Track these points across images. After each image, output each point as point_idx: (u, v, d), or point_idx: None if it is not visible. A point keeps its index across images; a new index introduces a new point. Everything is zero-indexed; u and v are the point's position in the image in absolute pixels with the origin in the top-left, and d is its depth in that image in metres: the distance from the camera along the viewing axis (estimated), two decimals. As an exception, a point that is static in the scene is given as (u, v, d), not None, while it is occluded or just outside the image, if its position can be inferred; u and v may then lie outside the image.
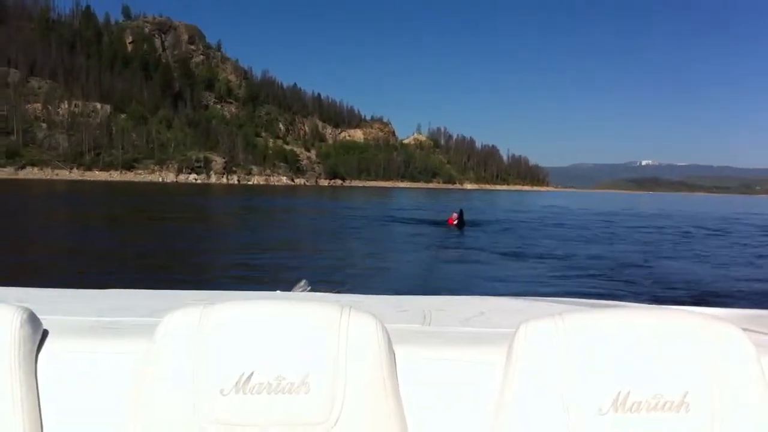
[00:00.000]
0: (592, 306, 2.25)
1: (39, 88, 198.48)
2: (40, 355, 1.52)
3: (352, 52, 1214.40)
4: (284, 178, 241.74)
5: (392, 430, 1.39)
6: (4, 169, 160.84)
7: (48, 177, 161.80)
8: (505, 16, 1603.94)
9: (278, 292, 2.61)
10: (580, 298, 2.70)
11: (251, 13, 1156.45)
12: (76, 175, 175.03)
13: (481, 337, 1.72)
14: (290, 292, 2.62)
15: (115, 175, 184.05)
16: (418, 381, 1.50)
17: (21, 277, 12.46)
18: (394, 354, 1.46)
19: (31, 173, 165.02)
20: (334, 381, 1.34)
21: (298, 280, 2.51)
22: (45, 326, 1.58)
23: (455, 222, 33.08)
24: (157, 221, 34.88)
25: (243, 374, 1.33)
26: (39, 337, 1.54)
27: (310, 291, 2.40)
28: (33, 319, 1.51)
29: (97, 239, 23.73)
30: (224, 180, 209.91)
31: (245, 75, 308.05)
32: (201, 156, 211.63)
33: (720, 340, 1.30)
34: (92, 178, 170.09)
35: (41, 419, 1.49)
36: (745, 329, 1.36)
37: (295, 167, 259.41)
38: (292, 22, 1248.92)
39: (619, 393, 1.27)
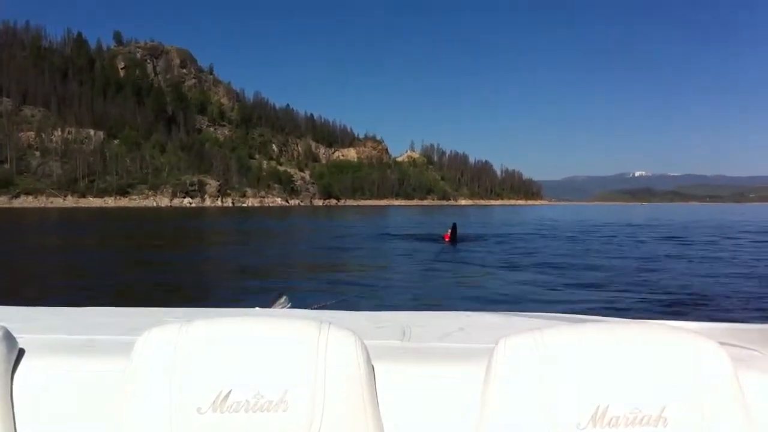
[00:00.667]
0: (571, 321, 2.28)
1: (32, 116, 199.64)
2: (15, 374, 1.51)
3: (343, 71, 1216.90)
4: (279, 199, 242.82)
5: None
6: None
7: (42, 205, 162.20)
8: (494, 32, 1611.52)
9: (257, 309, 2.57)
10: (558, 312, 2.70)
11: (242, 36, 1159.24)
12: (70, 202, 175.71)
13: (460, 352, 1.73)
14: (269, 309, 2.60)
15: (110, 201, 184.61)
16: (397, 397, 1.50)
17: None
18: (374, 370, 1.46)
19: (26, 202, 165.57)
20: (312, 398, 1.33)
21: (279, 297, 2.51)
22: (21, 345, 1.58)
23: (450, 237, 33.20)
24: (147, 245, 35.24)
25: (221, 392, 1.31)
26: (14, 355, 1.53)
27: (289, 307, 2.52)
28: (8, 338, 1.50)
29: (83, 262, 24.24)
30: (219, 203, 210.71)
31: (238, 97, 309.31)
32: (195, 179, 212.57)
33: (697, 354, 1.31)
34: (87, 205, 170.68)
35: None
36: (722, 343, 1.37)
37: (289, 188, 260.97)
38: (283, 43, 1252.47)
39: (598, 407, 1.27)
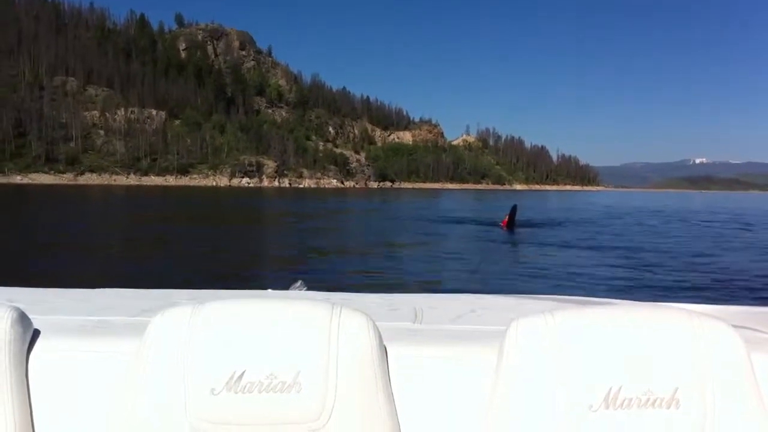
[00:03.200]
0: (582, 303, 2.27)
1: (96, 96, 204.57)
2: (31, 355, 1.52)
3: (400, 53, 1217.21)
4: (334, 180, 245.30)
5: (384, 427, 1.40)
6: (65, 175, 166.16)
7: (106, 182, 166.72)
8: (554, 17, 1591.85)
9: (269, 290, 2.61)
10: (569, 295, 2.73)
11: (301, 18, 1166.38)
12: (133, 180, 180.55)
13: (473, 334, 1.72)
14: (281, 291, 2.62)
15: (171, 180, 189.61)
16: (409, 379, 1.51)
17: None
18: (386, 352, 1.46)
19: (91, 179, 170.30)
20: (325, 380, 1.33)
21: (294, 281, 2.48)
22: (36, 326, 1.58)
23: (507, 223, 32.42)
24: (207, 221, 37.18)
25: (234, 373, 1.32)
26: (30, 336, 1.54)
27: (305, 287, 2.47)
28: (23, 319, 1.50)
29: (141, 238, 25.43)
30: (276, 183, 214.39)
31: (295, 79, 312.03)
32: (253, 160, 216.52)
33: (710, 336, 1.31)
34: (149, 183, 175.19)
35: (32, 418, 1.49)
36: (735, 326, 1.37)
37: (344, 170, 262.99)
38: (341, 25, 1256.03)
39: (610, 389, 1.27)
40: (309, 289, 2.23)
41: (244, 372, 1.32)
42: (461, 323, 1.94)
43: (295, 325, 1.37)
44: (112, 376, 1.50)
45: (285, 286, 2.53)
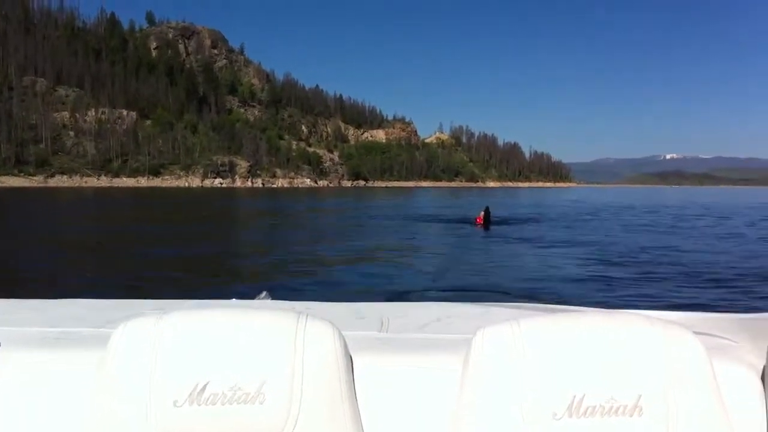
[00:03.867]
0: (547, 311, 2.29)
1: (66, 96, 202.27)
2: None
3: (372, 52, 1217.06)
4: (308, 180, 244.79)
5: None
6: (35, 178, 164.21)
7: (77, 184, 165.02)
8: (526, 14, 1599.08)
9: (234, 300, 2.57)
10: (535, 302, 2.75)
11: (273, 16, 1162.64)
12: (104, 182, 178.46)
13: (439, 343, 1.73)
14: (246, 300, 2.60)
15: (143, 181, 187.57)
16: (375, 388, 1.51)
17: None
18: (352, 361, 1.46)
19: (61, 181, 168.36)
20: (290, 390, 1.32)
21: (260, 292, 2.48)
22: None
23: (483, 221, 32.57)
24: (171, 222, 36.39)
25: (198, 385, 1.30)
26: None
27: (271, 295, 2.46)
28: None
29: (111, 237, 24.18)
30: (249, 183, 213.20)
31: (268, 78, 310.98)
32: (226, 160, 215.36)
33: (672, 343, 1.33)
34: (120, 185, 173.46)
35: None
36: (696, 332, 1.39)
37: (318, 169, 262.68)
38: (313, 24, 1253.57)
39: (574, 397, 1.28)
40: (274, 298, 2.66)
41: (207, 383, 1.30)
42: (428, 332, 1.94)
43: (259, 335, 1.36)
44: (75, 388, 1.49)
45: (250, 296, 2.61)
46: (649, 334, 1.33)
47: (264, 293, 2.65)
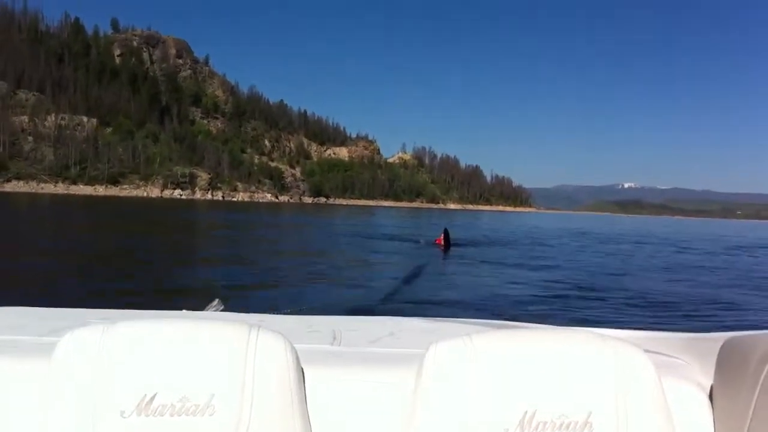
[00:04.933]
0: (500, 327, 2.26)
1: (26, 100, 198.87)
2: None
3: (338, 69, 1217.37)
4: (269, 195, 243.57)
5: None
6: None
7: (33, 190, 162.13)
8: (490, 38, 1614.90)
9: (184, 311, 2.51)
10: (487, 318, 2.69)
11: (240, 29, 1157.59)
12: (61, 188, 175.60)
13: (391, 357, 1.73)
14: (197, 311, 2.55)
15: (100, 190, 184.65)
16: (327, 401, 1.50)
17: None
18: (304, 374, 1.45)
19: (17, 186, 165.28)
20: (240, 402, 1.31)
21: (212, 300, 2.45)
22: None
23: (442, 242, 33.36)
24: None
25: (145, 396, 1.28)
26: None
27: (222, 308, 2.46)
28: None
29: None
30: (209, 196, 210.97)
31: (232, 90, 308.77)
32: (186, 171, 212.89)
33: (623, 360, 1.34)
34: (77, 192, 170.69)
35: None
36: (646, 350, 1.41)
37: (279, 184, 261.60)
38: (281, 38, 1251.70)
39: (526, 413, 1.28)
40: (226, 308, 2.61)
41: (155, 394, 1.29)
42: (380, 346, 1.94)
43: (209, 346, 1.35)
44: (20, 398, 1.45)
45: (201, 305, 2.59)
46: (600, 352, 1.35)
47: (216, 301, 2.65)
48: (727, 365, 1.54)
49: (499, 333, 1.41)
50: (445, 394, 1.32)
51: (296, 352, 1.42)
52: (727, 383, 1.51)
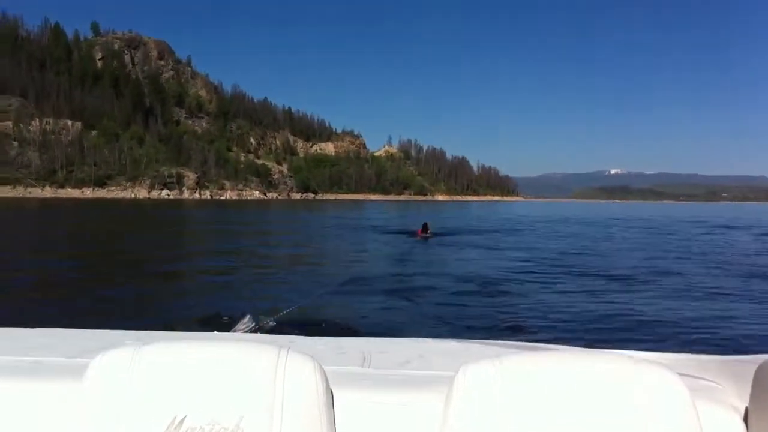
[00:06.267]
0: (529, 349, 2.26)
1: (9, 106, 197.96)
2: None
3: (321, 64, 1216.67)
4: (256, 192, 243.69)
5: None
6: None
7: (21, 195, 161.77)
8: (473, 30, 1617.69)
9: (215, 333, 2.55)
10: (517, 341, 2.73)
11: (221, 28, 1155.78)
12: (48, 192, 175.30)
13: (421, 380, 1.73)
14: (226, 333, 2.54)
15: (88, 192, 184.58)
16: (356, 424, 1.49)
17: None
18: (333, 397, 1.44)
19: (4, 191, 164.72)
20: (269, 425, 1.30)
21: (242, 315, 2.48)
22: None
23: (423, 233, 36.28)
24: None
25: (175, 418, 1.28)
26: None
27: (252, 328, 2.45)
28: None
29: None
30: (197, 195, 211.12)
31: (216, 90, 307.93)
32: (173, 172, 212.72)
33: (656, 384, 1.32)
34: (65, 195, 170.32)
35: None
36: (680, 374, 1.39)
37: (267, 181, 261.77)
38: (262, 36, 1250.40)
39: None
40: (257, 323, 2.50)
41: (185, 417, 1.28)
42: (410, 368, 1.94)
43: (239, 368, 1.35)
44: (49, 419, 1.46)
45: (229, 319, 2.60)
46: (632, 375, 1.33)
47: (247, 317, 2.67)
48: (763, 389, 1.51)
49: (529, 355, 1.41)
50: (476, 417, 1.31)
51: (325, 374, 1.41)
52: (764, 407, 1.48)
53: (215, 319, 8.35)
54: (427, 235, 35.91)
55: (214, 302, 15.29)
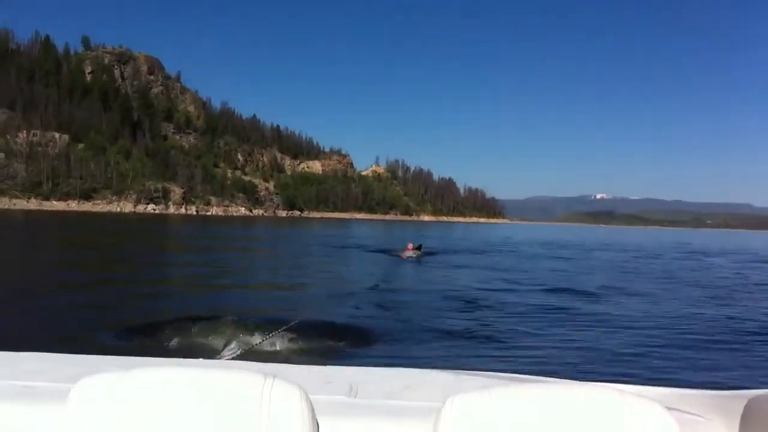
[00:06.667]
0: (516, 380, 2.29)
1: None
2: None
3: (311, 82, 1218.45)
4: (243, 208, 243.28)
5: None
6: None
7: (6, 206, 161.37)
8: (461, 51, 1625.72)
9: (200, 359, 2.56)
10: (505, 372, 2.75)
11: (211, 45, 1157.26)
12: (33, 204, 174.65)
13: (408, 410, 1.72)
14: (212, 360, 2.57)
15: (73, 205, 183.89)
16: None
17: None
18: (318, 427, 1.42)
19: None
20: None
21: (228, 342, 2.70)
22: None
23: (411, 251, 35.87)
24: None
25: None
26: None
27: (237, 354, 2.62)
28: None
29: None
30: (183, 210, 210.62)
31: (204, 106, 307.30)
32: (159, 186, 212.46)
33: (644, 418, 1.31)
34: (50, 208, 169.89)
35: None
36: (668, 408, 1.38)
37: (253, 198, 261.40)
38: (252, 53, 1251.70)
39: None
40: (242, 351, 2.43)
41: None
42: (397, 398, 1.92)
43: (224, 396, 1.32)
44: None
45: (216, 354, 2.56)
46: (620, 408, 1.32)
47: (233, 344, 2.65)
48: (751, 425, 1.51)
49: (517, 387, 1.40)
50: None
51: (311, 404, 1.40)
52: None
53: (197, 345, 8.46)
54: (413, 255, 35.11)
55: (190, 324, 14.88)
